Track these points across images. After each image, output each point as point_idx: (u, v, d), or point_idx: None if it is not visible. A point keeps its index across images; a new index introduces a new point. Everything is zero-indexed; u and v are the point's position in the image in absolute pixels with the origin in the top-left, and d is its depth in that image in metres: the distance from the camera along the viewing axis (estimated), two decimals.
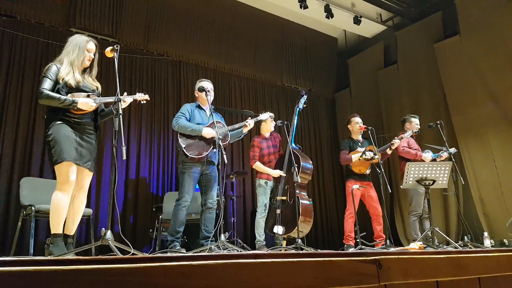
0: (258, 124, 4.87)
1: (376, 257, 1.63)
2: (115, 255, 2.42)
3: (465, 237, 4.63)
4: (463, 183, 4.87)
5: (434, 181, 4.28)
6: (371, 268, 1.59)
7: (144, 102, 3.27)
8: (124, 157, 2.64)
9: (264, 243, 4.58)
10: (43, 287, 1.06)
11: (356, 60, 8.58)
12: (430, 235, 4.33)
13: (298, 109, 4.76)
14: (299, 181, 4.14)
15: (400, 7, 7.43)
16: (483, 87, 6.07)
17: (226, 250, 3.22)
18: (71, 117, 2.90)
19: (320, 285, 1.45)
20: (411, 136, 5.02)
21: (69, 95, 2.88)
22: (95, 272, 1.12)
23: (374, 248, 4.45)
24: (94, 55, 3.11)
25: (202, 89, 3.94)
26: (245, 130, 4.09)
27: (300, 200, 4.24)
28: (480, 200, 6.00)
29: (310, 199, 4.51)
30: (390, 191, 4.18)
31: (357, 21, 7.52)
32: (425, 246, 3.84)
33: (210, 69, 7.20)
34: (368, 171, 4.87)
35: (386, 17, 7.89)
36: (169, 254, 2.75)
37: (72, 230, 2.95)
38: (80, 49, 3.01)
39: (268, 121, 4.76)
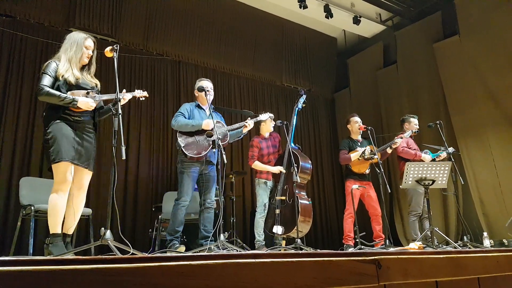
0: (257, 124, 4.87)
1: (376, 257, 1.63)
2: (115, 255, 2.42)
3: (465, 237, 4.64)
4: (463, 183, 4.88)
5: (433, 181, 4.29)
6: (371, 268, 1.59)
7: (143, 99, 3.26)
8: (124, 157, 2.63)
9: (264, 243, 4.58)
10: (42, 287, 1.05)
11: (355, 60, 8.58)
12: (430, 235, 4.33)
13: (297, 109, 4.76)
14: (299, 181, 4.14)
15: (400, 7, 7.43)
16: (483, 87, 6.07)
17: (225, 250, 3.22)
18: (71, 115, 2.89)
19: (320, 285, 1.45)
20: (410, 136, 5.02)
21: (68, 92, 2.87)
22: (94, 272, 1.12)
23: (374, 248, 4.45)
24: (93, 52, 3.09)
25: (201, 89, 3.93)
26: (244, 131, 4.08)
27: (300, 200, 4.24)
28: (479, 200, 6.01)
29: (310, 199, 4.51)
30: (389, 191, 4.18)
31: (356, 21, 7.52)
32: (424, 246, 3.84)
33: (209, 69, 7.20)
34: (367, 171, 4.87)
35: (385, 17, 7.89)
36: (168, 254, 2.75)
37: (71, 229, 2.94)
38: (78, 46, 3.00)
39: (267, 122, 4.76)
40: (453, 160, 4.70)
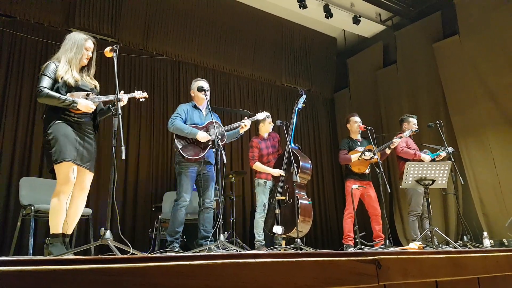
0: (256, 124, 4.87)
1: (376, 257, 1.63)
2: (115, 255, 2.42)
3: (465, 237, 4.64)
4: (463, 183, 4.88)
5: (433, 181, 4.29)
6: (370, 268, 1.59)
7: (143, 99, 3.26)
8: (124, 157, 2.63)
9: (263, 243, 4.58)
10: (42, 287, 1.05)
11: (355, 60, 8.58)
12: (430, 235, 4.33)
13: (297, 108, 4.75)
14: (298, 181, 4.14)
15: (400, 7, 7.43)
16: (483, 87, 6.07)
17: (225, 250, 3.22)
18: (71, 116, 2.88)
19: (319, 285, 1.45)
20: (410, 136, 5.02)
21: (68, 94, 2.86)
22: (94, 272, 1.12)
23: (373, 248, 4.45)
24: (92, 53, 3.08)
25: (201, 89, 3.91)
26: (241, 131, 4.06)
27: (300, 200, 4.24)
28: (479, 200, 6.01)
29: (310, 199, 4.50)
30: (389, 191, 4.17)
31: (356, 21, 7.52)
32: (424, 246, 3.84)
33: (209, 69, 7.20)
34: (367, 171, 4.87)
35: (385, 17, 7.90)
36: (168, 254, 2.75)
37: (70, 229, 2.93)
38: (78, 47, 2.98)
39: (266, 122, 4.77)
40: (453, 160, 4.70)
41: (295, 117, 4.75)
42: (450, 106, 6.49)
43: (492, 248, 4.22)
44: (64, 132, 2.81)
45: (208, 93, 3.95)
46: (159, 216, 4.95)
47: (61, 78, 2.86)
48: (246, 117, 4.10)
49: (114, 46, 2.98)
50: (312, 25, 8.19)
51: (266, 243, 4.61)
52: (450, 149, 4.92)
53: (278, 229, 4.25)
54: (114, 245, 2.53)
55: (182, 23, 6.80)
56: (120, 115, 2.78)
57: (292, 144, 4.54)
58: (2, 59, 5.29)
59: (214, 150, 3.66)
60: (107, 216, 2.67)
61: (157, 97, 6.56)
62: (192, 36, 6.91)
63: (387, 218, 5.60)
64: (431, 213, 4.39)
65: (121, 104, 2.89)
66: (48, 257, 2.33)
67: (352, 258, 1.57)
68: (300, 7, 6.99)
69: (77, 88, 2.92)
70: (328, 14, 7.22)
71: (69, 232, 2.93)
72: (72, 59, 2.95)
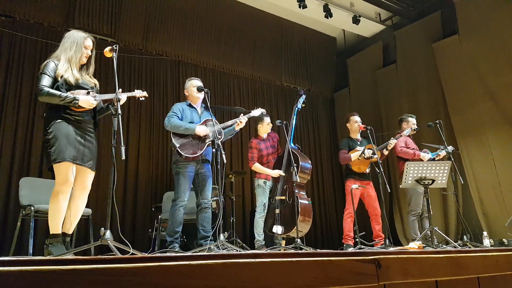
0: (254, 125, 4.87)
1: (375, 257, 1.63)
2: (114, 255, 2.42)
3: (464, 236, 4.64)
4: (462, 182, 4.88)
5: (433, 181, 4.29)
6: (370, 268, 1.59)
7: (143, 99, 3.25)
8: (123, 157, 2.63)
9: (263, 242, 4.58)
10: (42, 287, 1.05)
11: (355, 60, 8.58)
12: (430, 234, 4.33)
13: (297, 108, 4.75)
14: (298, 180, 4.14)
15: (399, 6, 7.43)
16: (483, 87, 6.07)
17: (225, 250, 3.22)
18: (72, 115, 2.87)
19: (319, 285, 1.45)
20: (409, 135, 5.02)
21: (68, 92, 2.85)
22: (94, 272, 1.12)
23: (373, 247, 4.45)
24: (91, 52, 3.07)
25: (201, 89, 3.92)
26: (237, 127, 4.04)
27: (299, 200, 4.24)
28: (479, 200, 6.01)
29: (309, 198, 4.50)
30: (389, 190, 4.18)
31: (356, 20, 7.52)
32: (424, 245, 3.84)
33: (209, 69, 7.20)
34: (368, 170, 4.86)
35: (385, 17, 7.90)
36: (168, 254, 2.75)
37: (70, 229, 2.93)
38: (77, 45, 2.98)
39: (264, 124, 4.77)
40: (452, 159, 4.70)
41: (294, 117, 4.75)
42: (450, 106, 6.49)
43: (492, 248, 4.23)
44: (64, 132, 2.81)
45: (208, 93, 3.95)
46: (159, 216, 4.95)
47: (61, 76, 2.85)
48: (241, 114, 4.09)
49: (114, 46, 2.98)
50: (312, 25, 8.19)
51: (266, 243, 4.61)
52: (450, 148, 4.92)
53: (278, 229, 4.25)
54: (114, 245, 2.53)
55: (182, 23, 6.80)
56: (120, 115, 2.78)
57: (292, 144, 4.53)
58: (2, 59, 5.29)
59: (214, 150, 3.65)
60: (107, 216, 2.67)
61: (157, 97, 6.55)
62: (192, 36, 6.91)
63: (387, 218, 5.60)
64: (431, 212, 4.39)
65: (120, 102, 2.89)
66: (48, 257, 2.33)
67: (352, 258, 1.57)
68: (299, 7, 6.99)
69: (77, 86, 2.91)
70: (328, 14, 7.22)
71: (70, 231, 2.94)
72: (71, 58, 2.94)
